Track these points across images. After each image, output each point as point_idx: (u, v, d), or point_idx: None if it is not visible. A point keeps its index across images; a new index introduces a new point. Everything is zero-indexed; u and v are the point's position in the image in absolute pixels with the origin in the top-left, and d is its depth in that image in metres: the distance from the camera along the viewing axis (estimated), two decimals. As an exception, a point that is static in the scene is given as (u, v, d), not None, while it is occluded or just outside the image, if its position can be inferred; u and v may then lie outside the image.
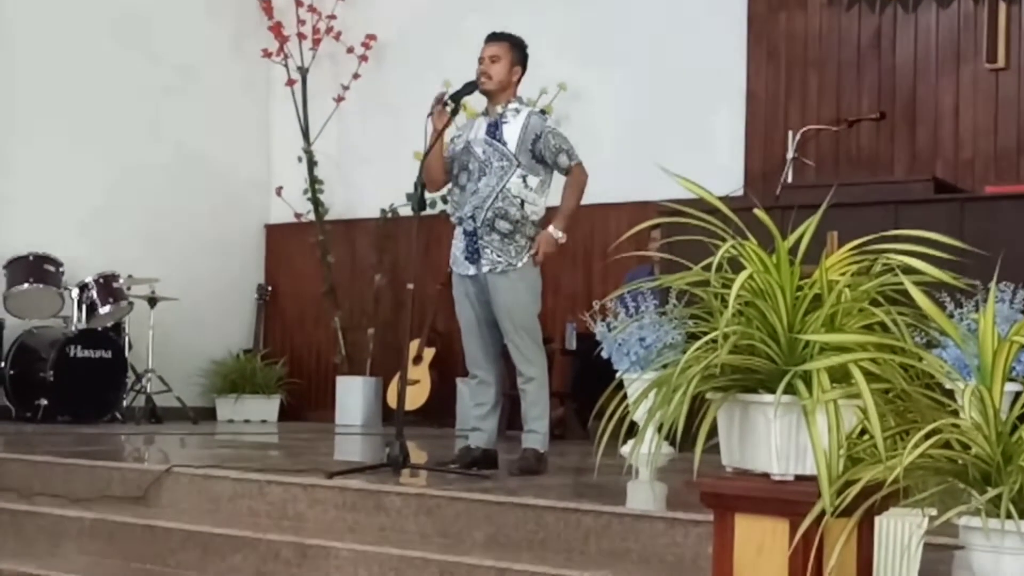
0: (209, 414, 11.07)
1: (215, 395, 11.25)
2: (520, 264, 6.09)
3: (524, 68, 6.26)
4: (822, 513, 2.76)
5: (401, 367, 6.25)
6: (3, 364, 9.85)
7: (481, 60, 6.20)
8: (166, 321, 10.46)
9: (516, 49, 6.23)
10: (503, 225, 6.06)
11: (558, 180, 6.28)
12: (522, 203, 6.10)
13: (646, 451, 3.25)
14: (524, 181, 6.10)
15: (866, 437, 2.83)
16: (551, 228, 6.11)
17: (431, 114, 6.09)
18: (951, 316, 3.62)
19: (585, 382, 9.15)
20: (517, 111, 6.20)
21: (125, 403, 10.14)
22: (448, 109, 6.11)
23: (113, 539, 5.67)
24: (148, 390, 10.23)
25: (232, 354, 11.47)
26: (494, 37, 6.26)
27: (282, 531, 5.28)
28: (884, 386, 2.85)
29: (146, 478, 6.07)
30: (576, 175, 6.17)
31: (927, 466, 2.79)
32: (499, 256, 6.07)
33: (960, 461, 2.79)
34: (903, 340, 2.89)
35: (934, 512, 2.93)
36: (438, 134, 6.11)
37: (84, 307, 10.00)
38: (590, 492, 5.32)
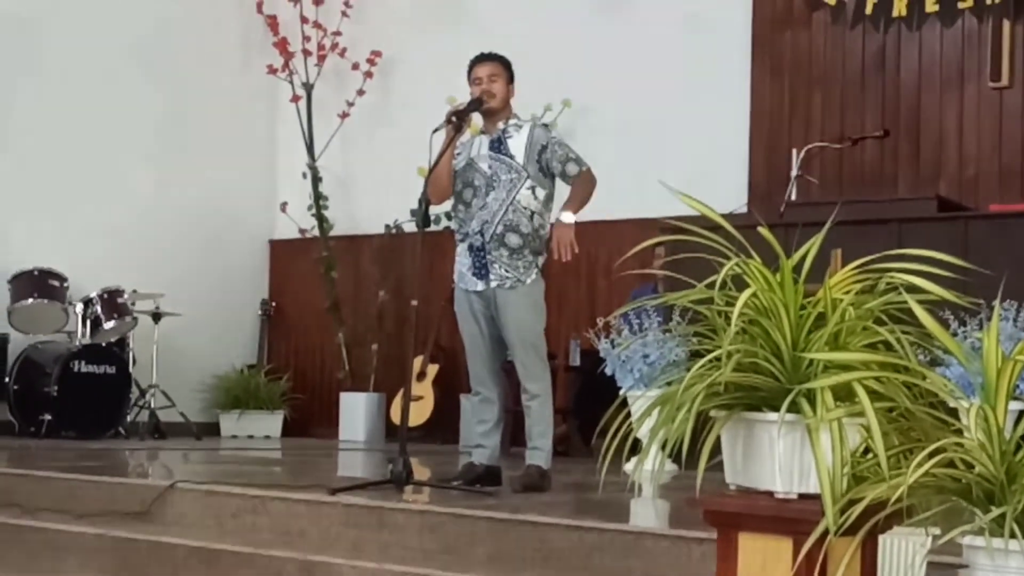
0: (213, 430, 11.07)
1: (219, 411, 11.26)
2: (529, 280, 6.10)
3: (514, 85, 6.32)
4: (826, 532, 2.75)
5: (405, 383, 6.27)
6: (7, 379, 9.86)
7: (479, 80, 6.22)
8: (170, 336, 10.48)
9: (507, 67, 6.29)
10: (513, 239, 6.07)
11: (555, 196, 6.27)
12: (532, 215, 6.11)
13: (650, 468, 3.25)
14: (533, 192, 6.12)
15: (870, 456, 2.83)
16: (562, 214, 6.02)
17: (436, 130, 6.11)
18: (955, 335, 3.61)
19: (589, 399, 9.16)
20: (519, 126, 6.23)
21: (129, 418, 10.14)
22: (452, 127, 6.13)
23: (117, 554, 5.67)
24: (152, 405, 10.23)
25: (236, 369, 11.48)
26: (486, 57, 6.30)
27: (285, 547, 5.27)
28: (888, 405, 2.85)
29: (150, 493, 6.07)
30: (586, 176, 6.17)
31: (931, 485, 2.78)
32: (507, 272, 6.08)
33: (964, 480, 2.79)
34: (907, 359, 2.89)
35: (938, 531, 2.93)
36: (450, 141, 6.13)
37: (88, 322, 10.02)
38: (593, 509, 5.31)
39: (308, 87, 11.60)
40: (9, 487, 6.58)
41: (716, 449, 2.95)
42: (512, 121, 6.24)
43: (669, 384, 3.06)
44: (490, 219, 6.10)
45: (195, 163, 11.40)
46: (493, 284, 6.11)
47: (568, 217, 6.00)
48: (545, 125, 6.40)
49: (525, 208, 6.10)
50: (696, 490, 2.96)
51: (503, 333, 6.13)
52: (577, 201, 6.10)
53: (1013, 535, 2.68)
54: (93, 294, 10.05)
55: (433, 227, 6.76)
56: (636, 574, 4.57)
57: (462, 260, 6.23)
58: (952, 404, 2.93)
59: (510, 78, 6.28)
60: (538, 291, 6.16)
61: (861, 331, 2.94)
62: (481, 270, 6.13)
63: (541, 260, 6.17)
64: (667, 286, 7.70)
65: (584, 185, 6.15)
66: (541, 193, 6.16)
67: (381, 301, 11.26)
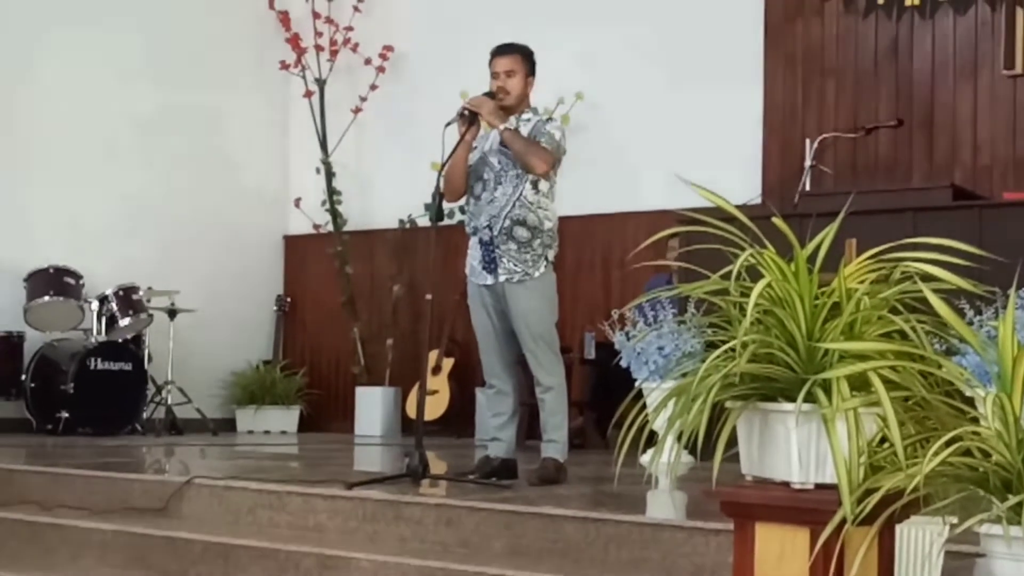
0: (229, 425, 11.10)
1: (235, 406, 11.28)
2: (537, 274, 6.09)
3: (535, 76, 6.27)
4: (843, 522, 2.75)
5: (420, 377, 6.26)
6: (24, 377, 9.89)
7: (496, 75, 6.18)
8: (185, 333, 10.50)
9: (527, 60, 6.22)
10: (521, 233, 6.06)
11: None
12: (537, 208, 6.10)
13: (666, 460, 3.25)
14: (536, 187, 6.10)
15: (886, 445, 2.83)
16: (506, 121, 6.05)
17: (449, 124, 6.10)
18: (970, 323, 3.61)
19: (604, 391, 9.15)
20: (529, 120, 6.20)
21: (145, 415, 10.16)
22: (464, 121, 6.11)
23: (134, 551, 5.68)
24: (168, 402, 10.26)
25: (251, 365, 11.50)
26: (504, 50, 6.23)
27: (302, 542, 5.28)
28: (904, 394, 2.85)
29: (166, 489, 6.09)
30: (542, 147, 6.02)
31: (948, 474, 2.78)
32: (516, 265, 6.08)
33: (981, 469, 2.79)
34: (923, 348, 2.88)
35: (955, 520, 2.93)
36: (462, 138, 6.12)
37: (104, 319, 10.04)
38: (610, 501, 5.31)
39: (321, 82, 11.61)
40: (26, 484, 6.60)
41: (732, 440, 2.95)
42: (525, 115, 6.20)
43: (684, 375, 3.06)
44: (497, 213, 6.09)
45: (209, 159, 11.43)
46: (502, 278, 6.10)
47: (500, 124, 6.01)
48: (551, 118, 6.34)
49: (531, 203, 6.08)
50: (712, 481, 2.95)
51: (513, 326, 6.13)
52: (520, 137, 6.03)
53: (1031, 523, 2.67)
54: (108, 291, 10.07)
55: (447, 221, 6.75)
56: (653, 566, 4.57)
57: (473, 254, 6.23)
58: (968, 393, 2.93)
59: (530, 71, 6.21)
60: (548, 284, 6.15)
61: (876, 320, 2.93)
62: (490, 264, 6.13)
63: (551, 253, 6.15)
64: (682, 277, 7.69)
65: (534, 145, 6.03)
66: (544, 185, 6.13)
67: (396, 296, 11.27)
